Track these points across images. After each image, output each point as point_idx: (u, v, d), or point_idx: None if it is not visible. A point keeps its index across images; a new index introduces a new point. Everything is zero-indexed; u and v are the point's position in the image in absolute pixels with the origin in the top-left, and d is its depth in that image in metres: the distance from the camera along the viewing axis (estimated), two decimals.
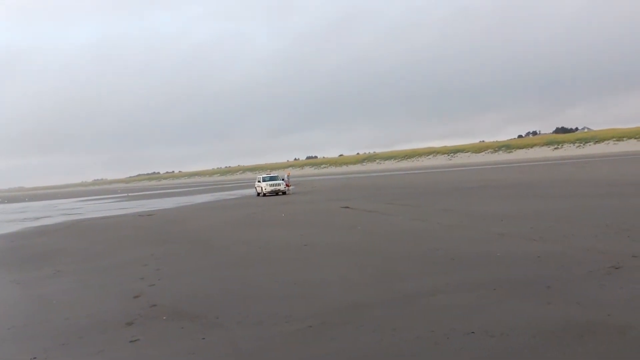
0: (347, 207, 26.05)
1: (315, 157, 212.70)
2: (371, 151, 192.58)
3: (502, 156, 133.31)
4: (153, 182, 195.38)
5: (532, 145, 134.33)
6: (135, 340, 7.20)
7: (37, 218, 38.31)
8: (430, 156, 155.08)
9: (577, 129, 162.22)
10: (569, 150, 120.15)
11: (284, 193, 45.35)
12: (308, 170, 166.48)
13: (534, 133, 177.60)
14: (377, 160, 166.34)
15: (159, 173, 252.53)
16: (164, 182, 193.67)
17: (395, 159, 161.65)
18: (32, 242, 21.33)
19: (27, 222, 35.11)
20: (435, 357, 5.81)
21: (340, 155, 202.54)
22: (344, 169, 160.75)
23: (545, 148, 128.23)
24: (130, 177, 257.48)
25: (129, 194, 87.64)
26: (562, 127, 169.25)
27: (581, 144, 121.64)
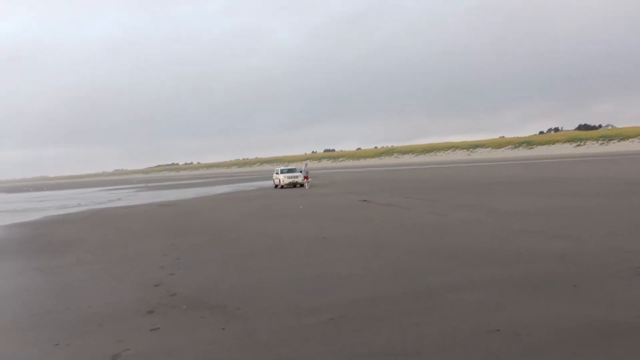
0: (366, 201, 25.91)
1: (333, 150, 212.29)
2: (389, 145, 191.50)
3: (522, 152, 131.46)
4: (172, 173, 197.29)
5: (553, 142, 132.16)
6: (155, 329, 7.21)
7: (59, 207, 38.92)
8: (449, 151, 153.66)
9: (600, 126, 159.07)
10: (592, 148, 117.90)
11: (301, 185, 45.33)
12: (325, 163, 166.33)
13: (556, 130, 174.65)
14: (395, 155, 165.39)
15: (177, 164, 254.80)
16: (182, 173, 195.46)
17: (413, 154, 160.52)
18: (54, 231, 21.65)
19: (50, 210, 35.68)
20: (460, 354, 5.69)
21: (358, 148, 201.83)
22: (362, 162, 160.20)
23: (567, 145, 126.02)
24: (149, 167, 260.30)
25: (148, 184, 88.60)
26: (585, 124, 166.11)
27: (605, 142, 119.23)
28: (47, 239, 18.68)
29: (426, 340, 6.18)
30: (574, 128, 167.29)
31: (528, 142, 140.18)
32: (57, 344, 6.82)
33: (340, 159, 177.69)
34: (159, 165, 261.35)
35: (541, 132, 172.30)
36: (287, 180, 45.71)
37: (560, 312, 6.83)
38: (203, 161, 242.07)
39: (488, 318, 6.75)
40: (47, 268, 12.74)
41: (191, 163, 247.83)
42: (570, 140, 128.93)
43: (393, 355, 5.79)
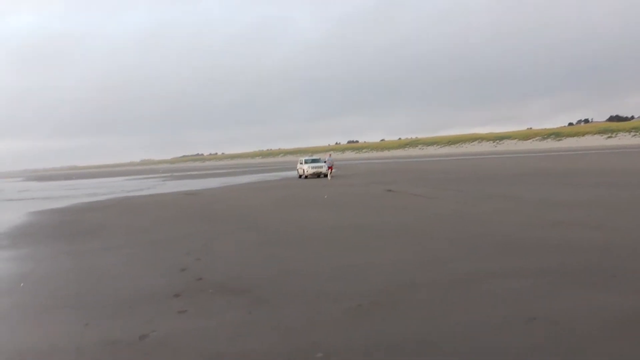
0: (391, 191, 25.63)
1: (357, 141, 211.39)
2: (413, 136, 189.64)
3: (550, 144, 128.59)
4: (197, 163, 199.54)
5: (583, 134, 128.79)
6: (183, 312, 7.20)
7: (89, 195, 39.67)
8: (475, 142, 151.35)
9: (632, 117, 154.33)
10: (624, 140, 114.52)
11: (325, 176, 45.17)
12: (349, 155, 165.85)
13: (586, 121, 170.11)
14: (420, 146, 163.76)
15: (202, 155, 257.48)
16: (207, 163, 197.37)
17: (438, 145, 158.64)
18: (83, 217, 22.03)
19: (79, 198, 36.39)
20: (494, 341, 5.49)
21: (382, 140, 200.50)
22: (385, 153, 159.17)
23: (597, 137, 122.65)
24: (175, 158, 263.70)
25: (173, 174, 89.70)
26: (617, 116, 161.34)
27: (637, 133, 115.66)
28: (76, 225, 19.00)
29: (459, 327, 5.99)
30: (605, 119, 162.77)
31: (556, 134, 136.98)
32: (87, 324, 6.86)
33: (364, 150, 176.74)
34: (184, 156, 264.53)
35: (570, 124, 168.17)
36: (311, 171, 45.62)
37: (601, 303, 6.55)
38: (227, 152, 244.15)
39: (524, 306, 6.52)
40: (76, 252, 12.93)
41: (216, 154, 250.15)
42: (601, 131, 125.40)
43: (425, 343, 5.63)
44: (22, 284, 9.57)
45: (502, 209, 16.23)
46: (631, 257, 8.91)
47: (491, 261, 9.14)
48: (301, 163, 48.38)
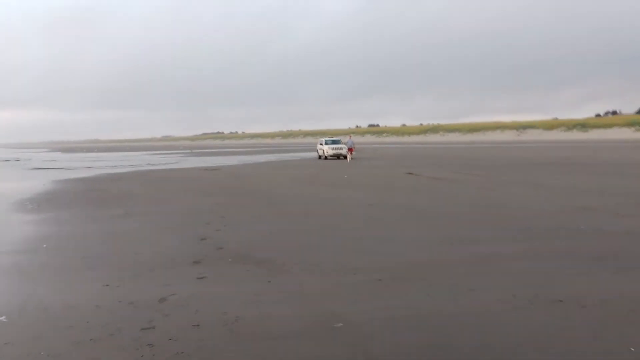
0: (412, 173, 25.37)
1: (377, 125, 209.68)
2: (435, 122, 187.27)
3: (576, 135, 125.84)
4: (217, 142, 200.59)
5: (611, 126, 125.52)
6: (202, 277, 7.20)
7: (111, 167, 40.18)
8: (498, 131, 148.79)
9: None
10: None
11: (345, 157, 44.91)
12: (369, 138, 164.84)
13: (614, 113, 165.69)
14: (441, 132, 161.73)
15: (222, 133, 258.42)
16: (227, 141, 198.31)
17: (460, 132, 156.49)
18: (106, 186, 22.29)
19: (102, 169, 36.88)
20: (519, 321, 5.35)
21: (403, 125, 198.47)
22: (406, 139, 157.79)
23: (625, 129, 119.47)
24: (195, 135, 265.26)
25: (193, 150, 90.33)
26: None
27: None
28: (99, 193, 19.23)
29: (482, 305, 5.86)
30: (634, 111, 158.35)
31: (582, 125, 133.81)
32: (107, 285, 6.90)
33: (384, 135, 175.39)
34: (204, 134, 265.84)
35: (597, 115, 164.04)
36: (331, 152, 45.42)
37: (631, 288, 6.34)
38: (248, 131, 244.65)
39: (549, 288, 6.35)
40: (98, 218, 13.07)
41: (236, 132, 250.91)
42: (630, 124, 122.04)
43: (447, 316, 5.51)
44: (45, 245, 9.69)
45: (524, 194, 15.92)
46: None
47: (514, 244, 8.95)
48: (321, 144, 48.18)
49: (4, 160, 54.37)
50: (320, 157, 46.78)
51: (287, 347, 4.82)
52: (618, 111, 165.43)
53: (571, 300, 5.91)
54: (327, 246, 9.14)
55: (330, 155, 45.23)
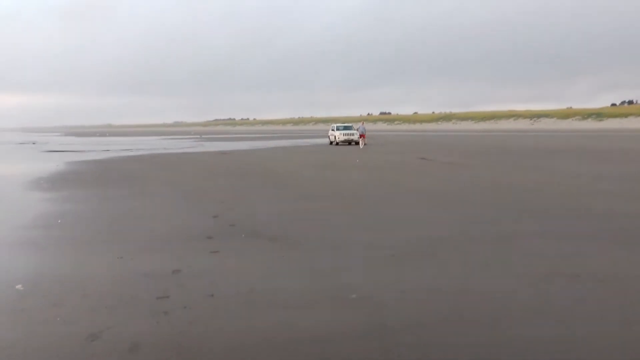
0: (424, 159, 25.22)
1: (389, 113, 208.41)
2: (447, 111, 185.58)
3: (590, 124, 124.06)
4: (228, 127, 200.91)
5: (626, 115, 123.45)
6: (215, 252, 7.21)
7: (124, 150, 40.43)
8: (511, 119, 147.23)
9: None
10: None
11: (356, 143, 44.71)
12: (381, 126, 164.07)
13: (630, 102, 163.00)
14: (453, 121, 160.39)
15: (234, 119, 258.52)
16: (238, 128, 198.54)
17: (472, 120, 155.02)
18: (119, 167, 22.45)
19: (115, 152, 37.12)
20: (536, 295, 5.28)
21: (415, 113, 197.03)
22: (418, 127, 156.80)
23: None
24: (207, 121, 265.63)
25: (205, 136, 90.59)
26: None
27: None
28: (113, 174, 19.36)
29: (497, 280, 5.80)
30: None
31: (597, 114, 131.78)
32: (121, 257, 6.94)
33: (396, 122, 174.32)
34: (216, 120, 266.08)
35: (613, 105, 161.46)
36: (342, 138, 45.28)
37: None
38: (259, 117, 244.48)
39: (566, 265, 6.27)
40: (112, 196, 13.16)
41: (247, 119, 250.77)
42: None
43: (460, 290, 5.47)
44: (59, 221, 9.77)
45: (539, 179, 15.75)
46: None
47: (529, 224, 8.85)
48: (333, 130, 48.05)
49: (20, 143, 54.96)
50: (331, 142, 46.64)
51: (302, 317, 4.82)
52: (635, 101, 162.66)
53: (589, 276, 5.83)
54: (340, 225, 9.11)
55: (342, 141, 45.08)
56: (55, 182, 16.65)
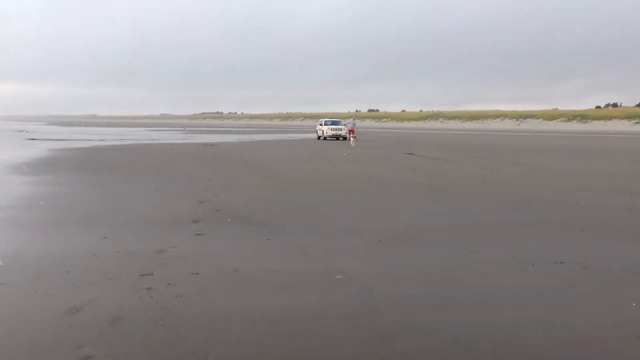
0: (412, 154, 25.29)
1: (377, 110, 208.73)
2: (435, 109, 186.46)
3: (575, 126, 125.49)
4: (216, 121, 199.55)
5: (610, 118, 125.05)
6: (201, 234, 7.13)
7: (109, 140, 39.95)
8: (498, 119, 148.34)
9: None
10: None
11: (344, 138, 44.67)
12: (369, 123, 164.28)
13: (614, 105, 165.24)
14: (441, 119, 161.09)
15: (221, 113, 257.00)
16: (226, 121, 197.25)
17: (459, 119, 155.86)
18: (104, 155, 22.16)
19: (100, 142, 36.65)
20: (521, 280, 5.31)
21: (403, 111, 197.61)
22: (405, 124, 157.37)
23: (625, 121, 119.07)
24: (194, 114, 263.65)
25: (191, 128, 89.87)
26: None
27: None
28: (97, 161, 19.10)
29: (484, 265, 5.82)
30: (634, 105, 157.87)
31: (582, 116, 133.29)
32: (105, 237, 6.83)
33: (384, 120, 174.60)
34: (203, 113, 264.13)
35: (598, 107, 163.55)
36: (330, 132, 45.17)
37: (633, 253, 6.31)
38: (247, 112, 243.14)
39: (550, 252, 6.31)
40: (97, 181, 12.96)
41: (235, 113, 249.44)
42: (629, 116, 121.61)
43: (446, 272, 5.48)
44: (41, 202, 9.60)
45: (525, 174, 15.87)
46: None
47: (515, 214, 8.91)
48: (321, 124, 47.92)
49: (4, 130, 53.98)
50: (319, 137, 46.52)
51: (287, 296, 4.77)
52: (619, 104, 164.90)
53: (573, 262, 5.88)
54: (327, 212, 9.08)
55: (330, 136, 44.99)
56: (38, 167, 16.38)
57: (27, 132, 54.25)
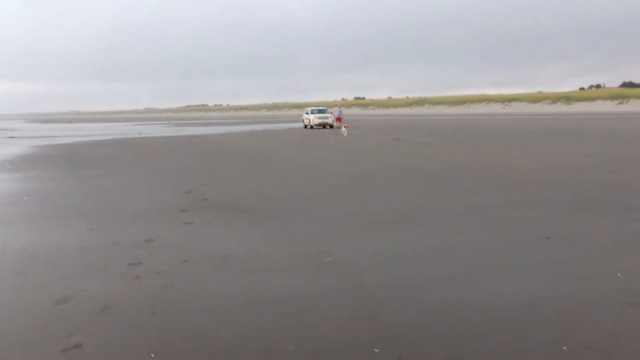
0: (399, 139, 25.33)
1: (363, 98, 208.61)
2: (421, 95, 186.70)
3: (560, 108, 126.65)
4: (201, 114, 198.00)
5: (594, 99, 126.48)
6: (189, 223, 7.09)
7: (93, 135, 39.49)
8: (483, 104, 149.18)
9: None
10: (635, 106, 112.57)
11: (331, 127, 44.61)
12: (355, 111, 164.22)
13: (597, 86, 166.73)
14: (427, 105, 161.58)
15: (207, 105, 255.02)
16: (211, 114, 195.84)
17: (446, 105, 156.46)
18: (88, 151, 21.89)
19: (83, 137, 36.22)
20: (508, 256, 5.36)
21: (389, 97, 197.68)
22: (392, 111, 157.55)
23: (608, 102, 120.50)
24: (179, 107, 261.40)
25: (176, 122, 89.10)
26: (630, 82, 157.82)
27: None
28: (81, 156, 18.86)
29: (472, 243, 5.86)
30: (617, 85, 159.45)
31: (566, 98, 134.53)
32: (91, 230, 6.76)
33: (371, 107, 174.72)
34: (188, 106, 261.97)
35: (581, 89, 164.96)
36: (317, 121, 45.08)
37: (617, 227, 6.41)
38: (232, 103, 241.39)
39: (537, 229, 6.38)
40: (81, 176, 12.82)
41: (221, 105, 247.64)
42: (612, 97, 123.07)
43: (435, 252, 5.51)
44: (25, 198, 9.47)
45: (511, 156, 15.99)
46: None
47: (502, 194, 8.99)
48: (307, 113, 47.79)
49: None
50: (306, 126, 46.42)
51: (278, 279, 4.77)
52: (602, 85, 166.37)
53: (558, 237, 5.95)
54: (315, 198, 9.08)
55: (316, 125, 44.91)
56: (21, 164, 16.15)
57: (7, 130, 53.43)
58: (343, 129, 33.32)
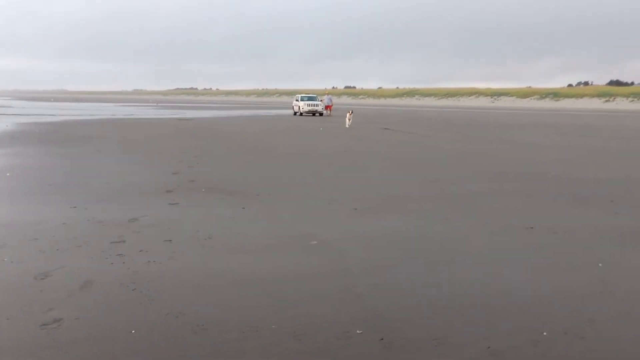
0: (388, 129, 25.35)
1: (354, 87, 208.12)
2: (411, 87, 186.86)
3: (548, 104, 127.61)
4: (190, 97, 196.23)
5: (582, 96, 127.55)
6: (174, 204, 7.04)
7: (80, 114, 38.94)
8: (473, 97, 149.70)
9: (633, 83, 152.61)
10: (621, 104, 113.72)
11: (321, 114, 44.50)
12: (345, 99, 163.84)
13: (586, 83, 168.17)
14: (417, 96, 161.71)
15: (196, 89, 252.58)
16: (201, 97, 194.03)
17: (435, 97, 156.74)
18: (74, 129, 21.59)
19: (70, 116, 35.70)
20: (491, 243, 5.40)
21: (379, 87, 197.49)
22: (382, 101, 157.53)
23: (595, 100, 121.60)
24: (168, 90, 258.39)
25: (165, 104, 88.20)
26: (617, 80, 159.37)
27: (635, 99, 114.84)
28: (67, 134, 18.60)
29: (456, 230, 5.90)
30: (605, 83, 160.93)
31: (555, 94, 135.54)
32: (75, 207, 6.68)
33: (361, 97, 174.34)
34: (177, 89, 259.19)
35: (569, 85, 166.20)
36: (307, 108, 44.86)
37: (600, 219, 6.49)
38: (222, 88, 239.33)
39: (523, 218, 6.44)
40: (67, 153, 12.65)
41: (210, 89, 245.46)
42: (600, 94, 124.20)
43: (419, 238, 5.54)
44: (8, 174, 9.32)
45: (497, 148, 16.09)
46: (627, 188, 8.85)
47: (487, 184, 9.04)
48: (297, 100, 47.52)
49: None
50: (295, 113, 46.20)
51: (263, 260, 4.76)
52: (590, 82, 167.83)
53: (542, 227, 6.01)
54: (303, 183, 9.06)
55: (306, 112, 44.73)
56: (4, 140, 15.89)
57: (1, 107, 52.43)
58: (348, 119, 26.98)
